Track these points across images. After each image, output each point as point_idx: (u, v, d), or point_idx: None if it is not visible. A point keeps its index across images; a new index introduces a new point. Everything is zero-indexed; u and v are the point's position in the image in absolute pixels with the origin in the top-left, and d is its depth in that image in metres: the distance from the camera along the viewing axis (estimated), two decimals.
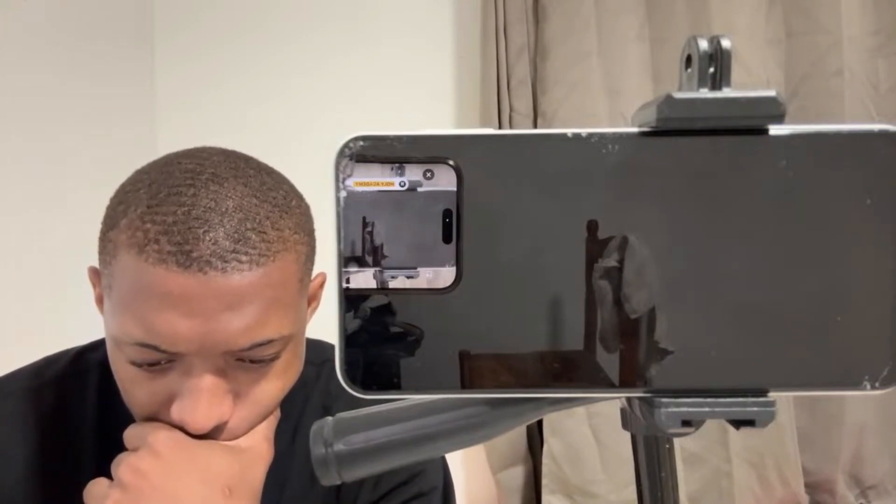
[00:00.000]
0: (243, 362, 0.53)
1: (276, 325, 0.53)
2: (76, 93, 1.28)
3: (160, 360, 0.52)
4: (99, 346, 0.66)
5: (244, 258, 0.50)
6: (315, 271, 0.61)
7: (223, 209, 0.50)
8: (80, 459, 0.63)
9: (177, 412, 0.51)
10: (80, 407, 0.64)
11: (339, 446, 0.33)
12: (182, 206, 0.50)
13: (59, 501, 0.61)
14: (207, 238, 0.49)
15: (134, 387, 0.54)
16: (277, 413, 0.60)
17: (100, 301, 0.57)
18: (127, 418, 0.59)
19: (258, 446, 0.56)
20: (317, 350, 0.68)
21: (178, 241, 0.49)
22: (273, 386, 0.55)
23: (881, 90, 1.56)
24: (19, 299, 1.11)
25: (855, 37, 1.54)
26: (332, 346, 0.73)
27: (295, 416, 0.67)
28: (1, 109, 1.10)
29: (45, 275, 1.17)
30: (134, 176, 0.55)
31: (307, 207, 0.59)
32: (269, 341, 0.52)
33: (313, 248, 0.59)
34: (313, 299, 0.63)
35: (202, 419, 0.51)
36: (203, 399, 0.51)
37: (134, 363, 0.52)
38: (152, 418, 0.54)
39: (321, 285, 0.63)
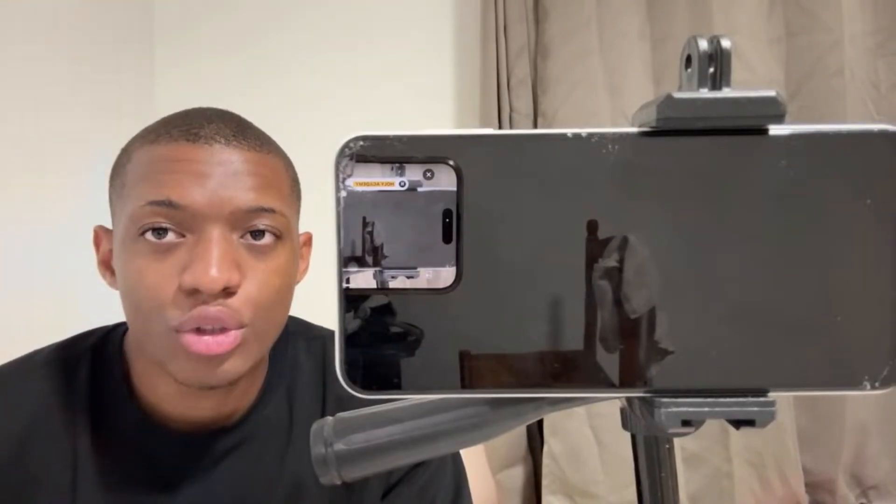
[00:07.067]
0: (246, 241, 0.57)
1: (276, 199, 0.58)
2: (76, 93, 1.28)
3: (171, 227, 0.55)
4: (88, 335, 0.67)
5: (244, 142, 0.58)
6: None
7: (221, 116, 0.60)
8: (74, 439, 0.63)
9: (189, 277, 0.53)
10: (72, 387, 0.64)
11: (340, 446, 0.33)
12: (183, 114, 0.60)
13: (53, 480, 0.61)
14: (211, 125, 0.57)
15: (144, 275, 0.55)
16: (265, 367, 0.64)
17: (104, 264, 0.61)
18: (118, 398, 0.61)
19: None
20: (307, 326, 0.72)
21: (187, 128, 0.57)
22: (273, 277, 0.58)
23: (882, 90, 1.56)
24: (19, 294, 1.11)
25: (856, 36, 1.54)
26: (317, 327, 0.76)
27: (286, 382, 0.68)
28: (1, 111, 1.10)
29: (45, 273, 1.17)
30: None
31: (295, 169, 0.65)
32: (271, 210, 0.57)
33: (299, 195, 0.64)
34: (300, 258, 0.65)
35: (214, 277, 0.53)
36: (213, 260, 0.54)
37: (144, 234, 0.55)
38: (162, 309, 0.55)
39: (307, 242, 0.67)
